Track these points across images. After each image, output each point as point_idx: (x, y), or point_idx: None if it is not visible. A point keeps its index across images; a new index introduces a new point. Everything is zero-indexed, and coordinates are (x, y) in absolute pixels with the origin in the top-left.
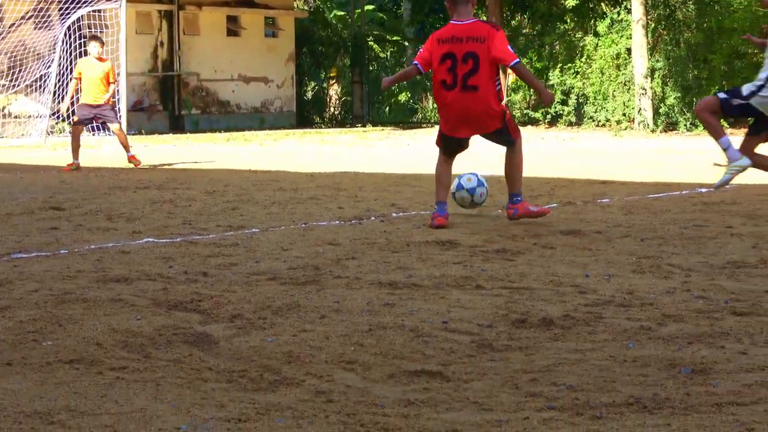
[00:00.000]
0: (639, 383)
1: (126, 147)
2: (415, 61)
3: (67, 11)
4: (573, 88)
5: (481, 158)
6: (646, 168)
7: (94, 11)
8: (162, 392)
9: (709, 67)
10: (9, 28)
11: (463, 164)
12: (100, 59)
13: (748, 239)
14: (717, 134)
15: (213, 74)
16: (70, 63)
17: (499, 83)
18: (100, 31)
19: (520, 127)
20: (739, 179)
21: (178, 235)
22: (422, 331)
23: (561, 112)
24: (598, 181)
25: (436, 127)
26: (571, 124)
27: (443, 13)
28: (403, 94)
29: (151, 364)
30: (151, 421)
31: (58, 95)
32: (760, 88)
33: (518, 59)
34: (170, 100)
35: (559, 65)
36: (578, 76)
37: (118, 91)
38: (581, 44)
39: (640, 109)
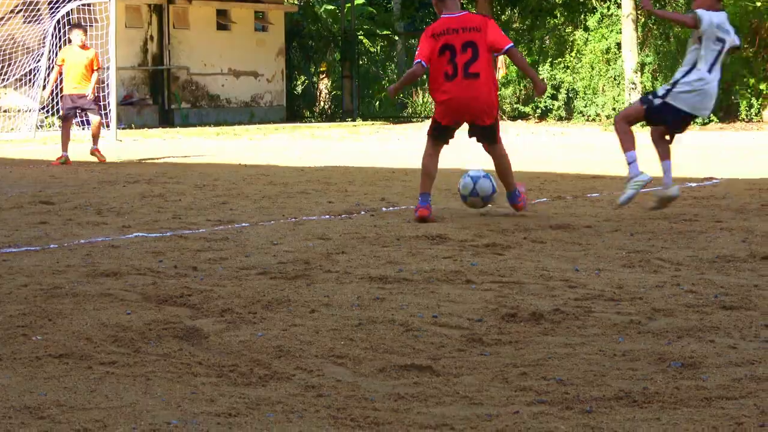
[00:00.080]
0: (629, 377)
1: (95, 139)
2: (418, 60)
3: (57, 5)
4: (563, 82)
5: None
6: None
7: (83, 5)
8: (152, 387)
9: None
10: None
11: (454, 159)
12: (84, 47)
13: (737, 233)
14: (627, 146)
15: (203, 68)
16: None
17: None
18: (90, 25)
19: (510, 122)
20: (728, 174)
21: (167, 230)
22: (412, 325)
23: (551, 106)
24: (588, 176)
25: (427, 122)
26: (561, 118)
27: (433, 7)
28: None
29: (140, 358)
30: (141, 415)
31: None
32: (674, 84)
33: (512, 44)
34: (160, 94)
35: (549, 60)
36: (568, 70)
37: (108, 85)
38: (571, 39)
39: (630, 103)
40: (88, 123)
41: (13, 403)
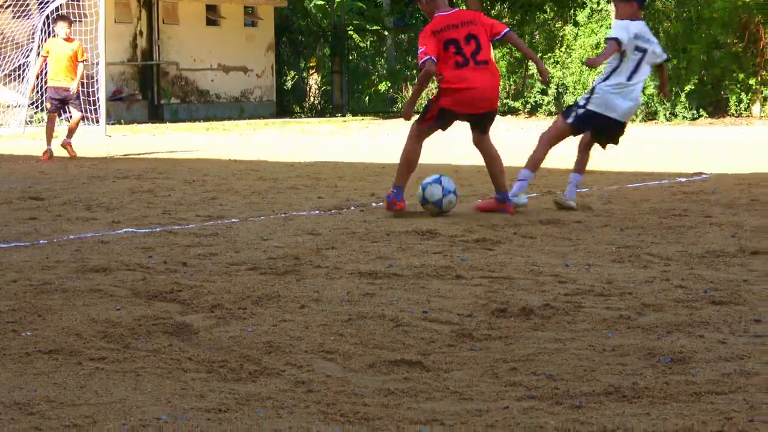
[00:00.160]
0: (618, 372)
1: (70, 133)
2: (427, 57)
3: (46, 0)
4: (553, 77)
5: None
6: (625, 158)
7: (72, 0)
8: (142, 383)
9: (688, 56)
10: None
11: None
12: (68, 39)
13: (727, 228)
14: (530, 164)
15: (192, 63)
16: None
17: None
18: (79, 20)
19: (500, 117)
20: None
21: (157, 225)
22: (402, 320)
23: (541, 101)
24: None
25: (415, 117)
26: (551, 113)
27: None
28: (383, 84)
29: (130, 354)
30: (130, 411)
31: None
32: (593, 91)
33: (509, 28)
34: (149, 89)
35: (539, 55)
36: (558, 65)
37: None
38: (561, 34)
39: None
40: (70, 116)
41: (2, 398)
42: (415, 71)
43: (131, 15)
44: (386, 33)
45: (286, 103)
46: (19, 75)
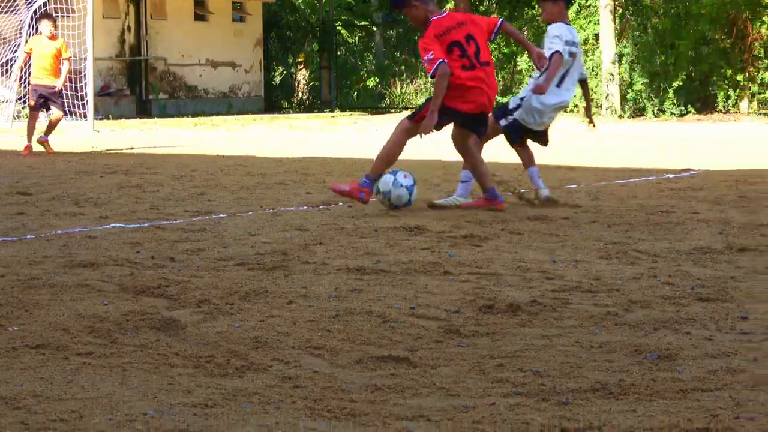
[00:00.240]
0: (605, 369)
1: (49, 130)
2: (440, 60)
3: None
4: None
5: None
6: (613, 154)
7: None
8: (129, 378)
9: (676, 52)
10: None
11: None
12: (52, 38)
13: (714, 225)
14: (470, 165)
15: (180, 59)
16: None
17: None
18: (67, 15)
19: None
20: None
21: (145, 220)
22: (389, 316)
23: None
24: (566, 167)
25: (404, 113)
26: None
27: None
28: (372, 79)
29: (117, 349)
30: (117, 406)
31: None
32: (523, 99)
33: (502, 18)
34: (137, 84)
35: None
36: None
37: (85, 75)
38: None
39: (608, 94)
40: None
41: None
42: (403, 66)
43: (119, 10)
44: (375, 29)
45: (275, 99)
46: (6, 70)
